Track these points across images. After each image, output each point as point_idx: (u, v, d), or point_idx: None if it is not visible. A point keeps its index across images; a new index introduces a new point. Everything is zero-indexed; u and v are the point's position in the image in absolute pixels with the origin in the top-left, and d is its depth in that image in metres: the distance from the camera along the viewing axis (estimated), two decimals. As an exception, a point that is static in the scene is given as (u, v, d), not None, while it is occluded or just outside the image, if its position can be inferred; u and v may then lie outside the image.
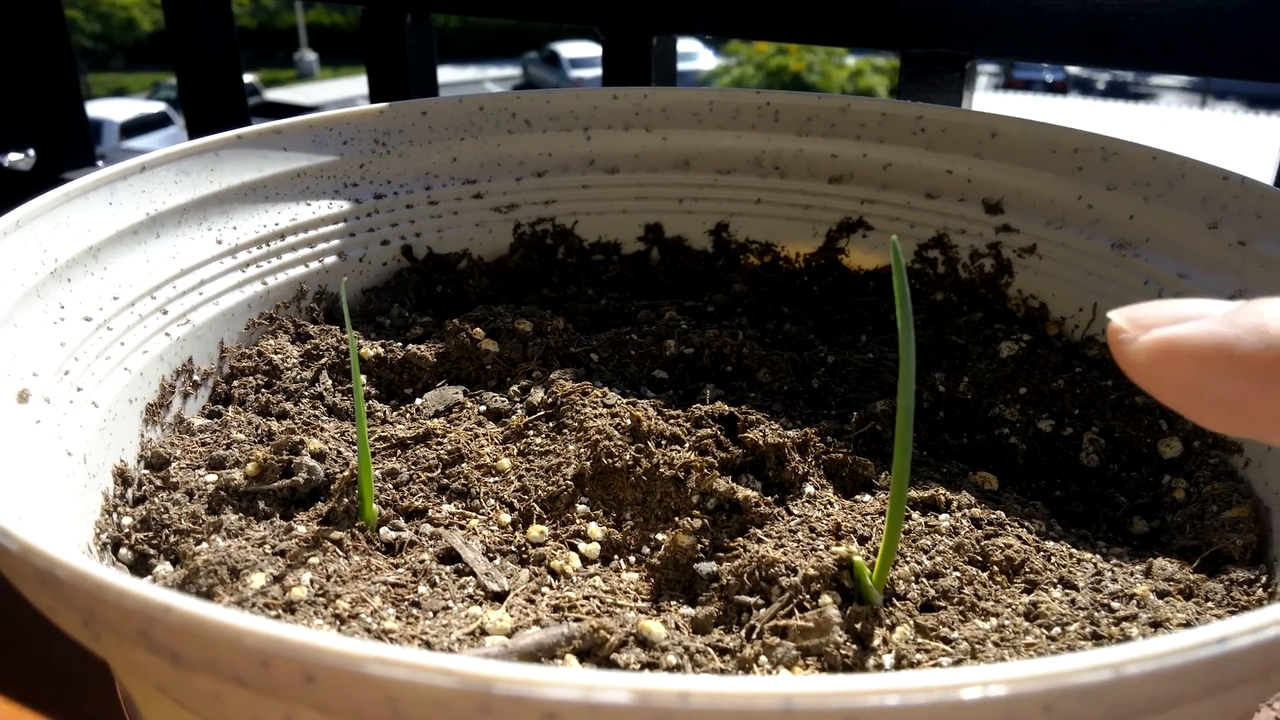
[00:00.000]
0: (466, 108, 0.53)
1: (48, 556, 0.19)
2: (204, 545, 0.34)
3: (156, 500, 0.35)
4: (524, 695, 0.16)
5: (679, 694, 0.16)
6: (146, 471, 0.37)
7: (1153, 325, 0.21)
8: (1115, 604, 0.31)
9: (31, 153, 1.00)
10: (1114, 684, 0.17)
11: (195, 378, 0.41)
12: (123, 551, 0.34)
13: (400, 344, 0.45)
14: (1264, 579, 0.32)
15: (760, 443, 0.37)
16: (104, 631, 0.20)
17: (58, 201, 0.37)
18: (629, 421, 0.38)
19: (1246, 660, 0.18)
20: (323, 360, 0.44)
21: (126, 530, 0.34)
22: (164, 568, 0.34)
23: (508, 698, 0.16)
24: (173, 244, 0.42)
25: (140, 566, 0.34)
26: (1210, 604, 0.31)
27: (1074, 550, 0.34)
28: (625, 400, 0.41)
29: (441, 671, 0.16)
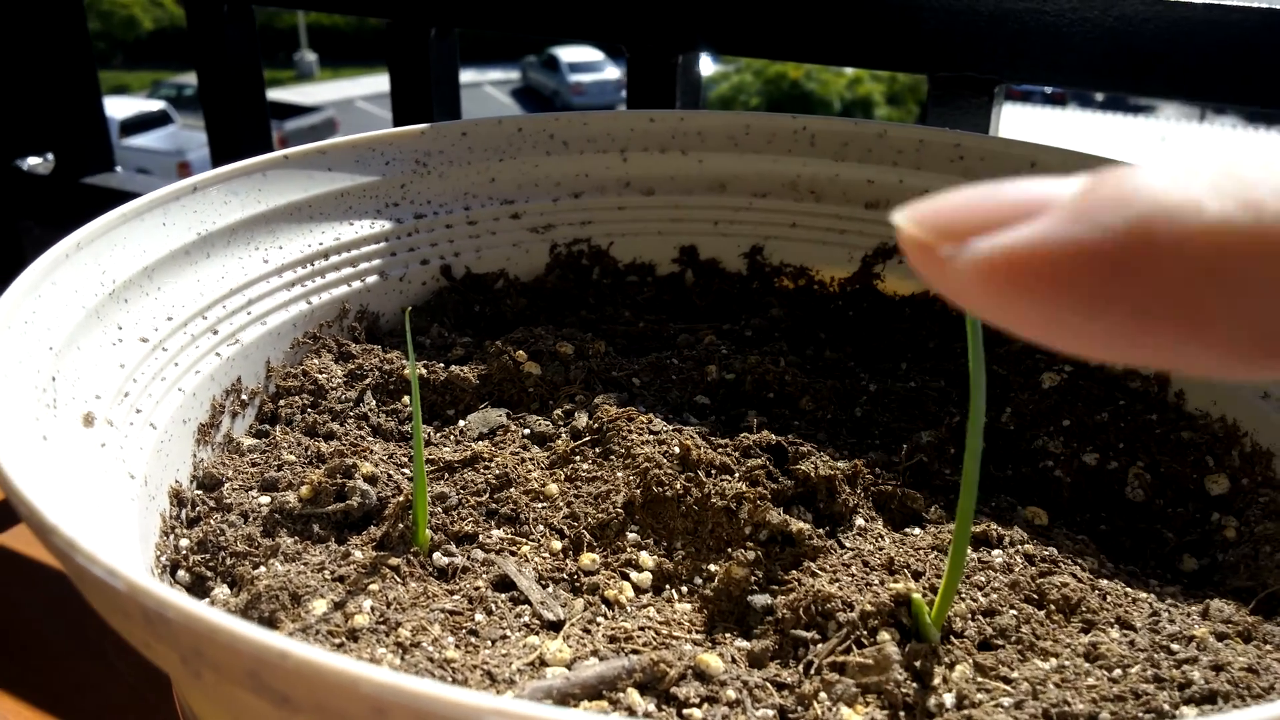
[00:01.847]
0: (506, 129, 0.53)
1: (158, 598, 0.19)
2: (262, 569, 0.34)
3: (211, 522, 0.36)
4: (648, 751, 0.16)
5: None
6: (200, 492, 0.37)
7: (968, 229, 0.14)
8: (1175, 646, 0.31)
9: (50, 157, 1.00)
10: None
11: (243, 397, 0.42)
12: (180, 574, 0.34)
13: (443, 365, 0.45)
14: (1314, 619, 0.33)
15: (812, 474, 0.37)
16: (206, 670, 0.20)
17: (115, 223, 0.38)
18: (678, 450, 0.38)
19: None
20: (367, 380, 0.44)
21: (184, 552, 0.34)
22: (221, 591, 0.34)
23: (632, 754, 0.16)
24: (222, 264, 0.42)
25: (198, 589, 0.34)
26: (1269, 647, 0.31)
27: (1129, 589, 0.34)
28: (671, 427, 0.41)
29: (565, 726, 0.17)
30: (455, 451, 0.41)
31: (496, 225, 0.53)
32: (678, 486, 0.37)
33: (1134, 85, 0.59)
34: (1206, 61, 0.56)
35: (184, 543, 0.35)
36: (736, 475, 0.38)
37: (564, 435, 0.42)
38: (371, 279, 0.48)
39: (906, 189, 0.52)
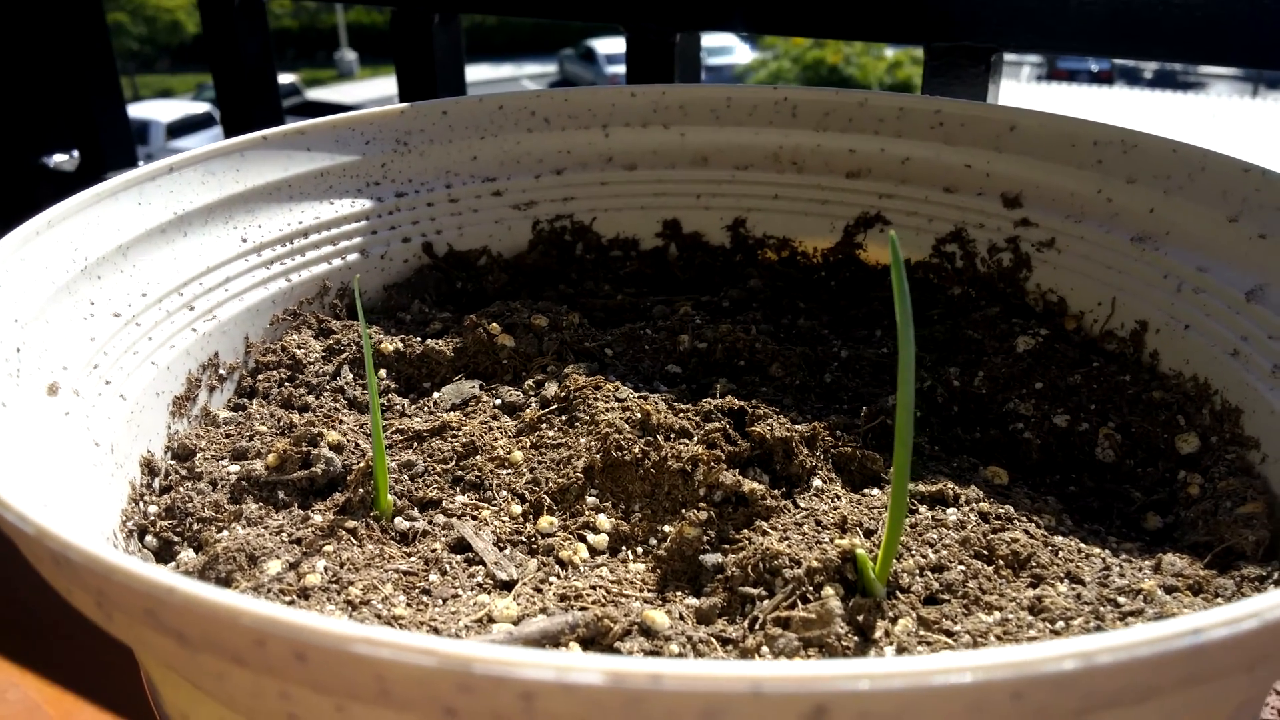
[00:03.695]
0: (486, 107, 0.53)
1: (61, 540, 0.20)
2: (225, 533, 0.35)
3: (182, 489, 0.37)
4: (502, 675, 0.17)
5: (651, 676, 0.17)
6: (173, 462, 0.38)
7: None
8: (1121, 599, 0.31)
9: (76, 154, 1.03)
10: (1084, 673, 0.17)
11: (221, 372, 0.43)
12: (148, 539, 0.35)
13: (419, 339, 0.46)
14: (1276, 575, 0.32)
15: (767, 436, 0.38)
16: (115, 612, 0.21)
17: (88, 202, 0.39)
18: (639, 415, 0.39)
19: (1223, 652, 0.18)
20: (344, 355, 0.45)
21: (152, 518, 0.35)
22: (187, 554, 0.35)
23: (486, 677, 0.17)
24: (200, 242, 0.43)
25: (165, 553, 0.35)
26: (1220, 600, 0.31)
27: (1082, 545, 0.34)
28: (637, 394, 0.41)
29: (424, 651, 0.17)
30: (426, 422, 0.42)
31: (478, 203, 0.53)
32: (636, 450, 0.37)
33: (1130, 50, 0.59)
34: (1200, 23, 0.55)
35: (153, 509, 0.36)
36: (695, 438, 0.38)
37: (533, 404, 0.43)
38: (352, 257, 0.49)
39: (888, 157, 0.52)
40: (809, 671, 0.17)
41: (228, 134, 0.94)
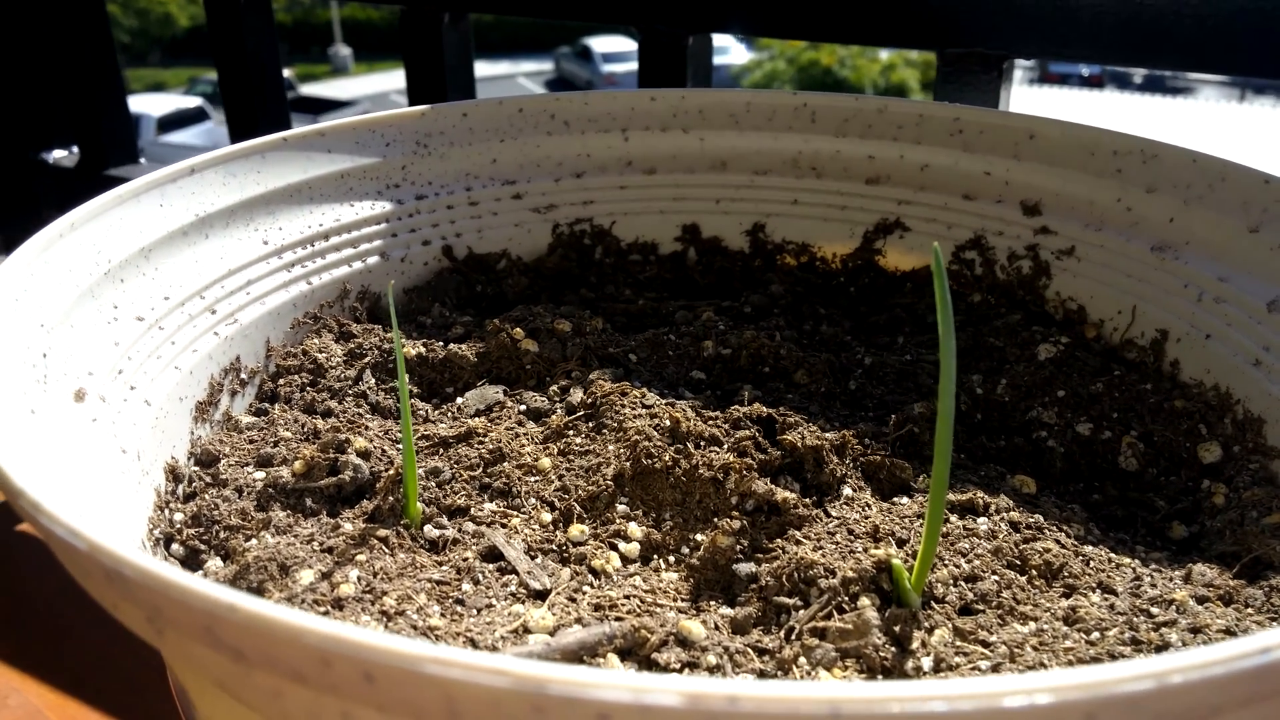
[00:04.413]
0: (507, 109, 0.53)
1: (115, 555, 0.20)
2: (253, 542, 0.34)
3: (207, 497, 0.36)
4: (577, 696, 0.17)
5: (728, 697, 0.17)
6: (196, 468, 0.38)
7: None
8: (1154, 609, 0.31)
9: (76, 150, 1.02)
10: (1156, 693, 0.17)
11: (242, 376, 0.42)
12: (174, 547, 0.35)
13: (442, 343, 0.46)
14: (1305, 586, 0.32)
15: (799, 445, 0.38)
16: (167, 628, 0.21)
17: (110, 204, 0.38)
18: (668, 422, 0.39)
19: (1290, 671, 0.18)
20: (366, 359, 0.45)
21: (178, 526, 0.35)
22: (214, 563, 0.34)
23: (561, 698, 0.17)
24: (221, 245, 0.43)
25: (191, 562, 0.35)
26: (1250, 610, 0.31)
27: (1113, 555, 0.34)
28: (664, 401, 0.41)
29: (497, 672, 0.17)
30: (451, 428, 0.41)
31: (498, 205, 0.53)
32: (666, 459, 0.37)
33: (1142, 59, 0.59)
34: (1212, 34, 0.55)
35: (178, 517, 0.35)
36: (725, 447, 0.38)
37: (559, 410, 0.42)
38: (372, 260, 0.49)
39: (907, 164, 0.52)
40: (886, 693, 0.17)
41: (232, 131, 0.94)
